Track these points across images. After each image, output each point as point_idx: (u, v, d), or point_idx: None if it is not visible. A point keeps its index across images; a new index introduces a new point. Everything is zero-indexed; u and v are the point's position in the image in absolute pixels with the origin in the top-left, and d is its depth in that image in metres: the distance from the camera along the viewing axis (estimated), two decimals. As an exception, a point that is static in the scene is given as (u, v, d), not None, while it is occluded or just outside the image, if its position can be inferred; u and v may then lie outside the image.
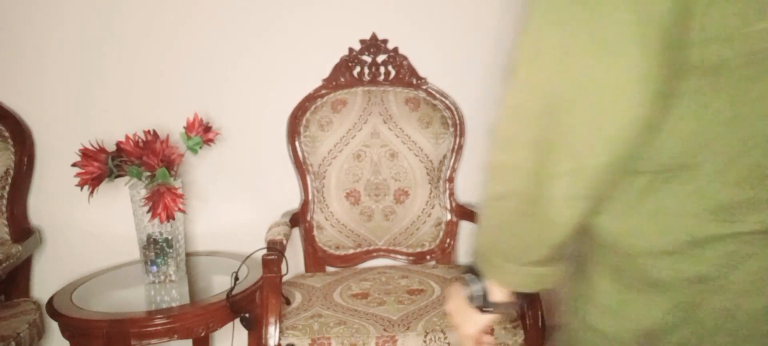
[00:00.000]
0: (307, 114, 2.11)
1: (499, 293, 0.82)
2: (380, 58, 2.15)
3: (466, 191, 2.16)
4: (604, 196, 0.71)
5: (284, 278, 1.75)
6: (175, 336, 1.69)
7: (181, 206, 1.78)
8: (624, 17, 0.62)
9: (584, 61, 0.64)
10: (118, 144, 1.84)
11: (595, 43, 0.64)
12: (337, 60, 2.13)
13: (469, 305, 0.85)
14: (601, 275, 0.74)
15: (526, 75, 0.70)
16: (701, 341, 0.68)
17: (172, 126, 1.96)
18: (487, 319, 0.86)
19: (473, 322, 0.86)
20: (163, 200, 1.75)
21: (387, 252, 2.14)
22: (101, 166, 1.80)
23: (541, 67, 0.68)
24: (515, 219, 0.74)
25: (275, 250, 1.73)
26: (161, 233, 1.85)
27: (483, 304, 0.84)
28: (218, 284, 1.85)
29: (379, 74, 2.15)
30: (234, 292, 1.73)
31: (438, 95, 2.13)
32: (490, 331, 0.96)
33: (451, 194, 2.13)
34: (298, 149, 2.11)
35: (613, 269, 0.73)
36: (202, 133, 1.91)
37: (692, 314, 0.68)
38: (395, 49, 2.14)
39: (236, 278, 1.78)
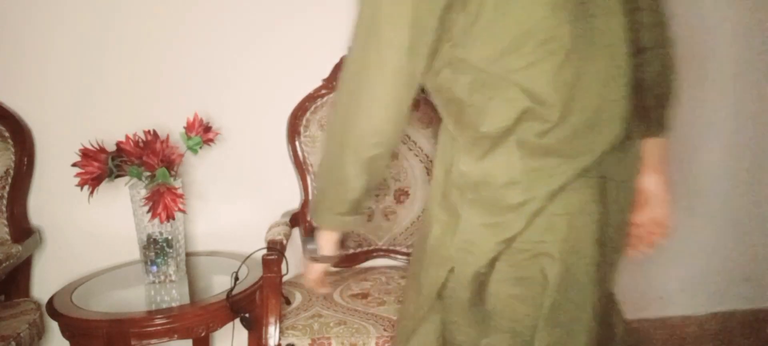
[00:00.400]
0: (308, 114, 2.11)
1: (326, 248, 1.27)
2: (380, 58, 2.14)
3: (466, 191, 2.15)
4: (379, 173, 1.16)
5: (284, 278, 1.75)
6: (175, 336, 1.69)
7: (181, 206, 1.78)
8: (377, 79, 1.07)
9: (358, 96, 1.09)
10: (118, 144, 1.84)
11: (362, 86, 1.08)
12: (337, 60, 2.13)
13: (310, 259, 1.30)
14: (471, 210, 1.10)
15: (336, 93, 1.18)
16: (541, 237, 1.06)
17: (172, 126, 1.96)
18: (322, 267, 1.33)
19: (314, 270, 1.34)
20: (163, 200, 1.75)
21: (387, 252, 2.14)
22: (101, 166, 1.80)
23: (338, 90, 1.16)
24: (331, 184, 1.18)
25: (275, 250, 1.73)
26: (161, 233, 1.85)
27: (317, 256, 1.28)
28: (218, 284, 1.85)
29: (379, 74, 2.14)
30: (234, 292, 1.73)
31: (438, 95, 2.13)
32: (328, 283, 1.46)
33: (451, 194, 2.13)
34: (298, 149, 2.10)
35: (481, 204, 1.09)
36: (202, 133, 1.91)
37: (535, 220, 1.05)
38: (395, 49, 2.14)
39: (236, 278, 1.78)
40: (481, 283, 1.11)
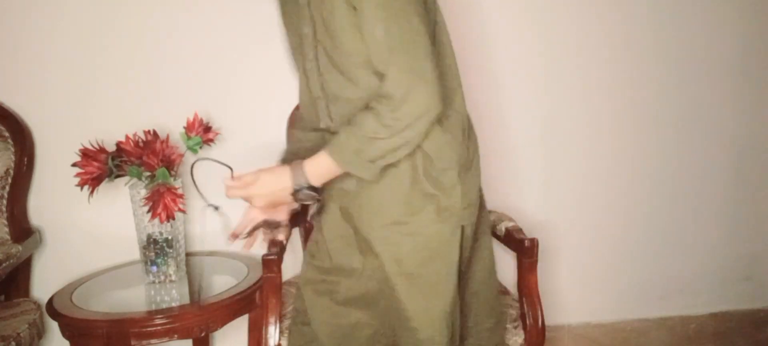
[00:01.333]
0: (307, 114, 2.10)
1: (317, 181, 1.39)
2: (380, 58, 2.14)
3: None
4: (420, 139, 1.28)
5: (284, 278, 1.74)
6: (175, 336, 1.69)
7: (181, 206, 1.78)
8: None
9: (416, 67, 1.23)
10: (118, 144, 1.84)
11: (418, 59, 1.23)
12: (337, 60, 2.13)
13: (291, 195, 1.43)
14: (465, 175, 1.34)
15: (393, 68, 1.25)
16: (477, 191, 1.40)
17: (172, 126, 1.95)
18: (291, 206, 1.52)
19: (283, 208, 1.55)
20: (163, 200, 1.75)
21: (387, 252, 2.13)
22: (101, 166, 1.80)
23: (395, 65, 1.24)
24: (383, 142, 1.26)
25: (275, 250, 1.73)
26: (161, 233, 1.85)
27: (306, 193, 1.41)
28: (218, 284, 1.85)
29: (379, 74, 2.14)
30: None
31: (438, 95, 2.12)
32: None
33: (451, 194, 2.13)
34: (298, 149, 2.10)
35: (469, 168, 1.36)
36: (202, 133, 1.91)
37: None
38: (395, 49, 2.14)
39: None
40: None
